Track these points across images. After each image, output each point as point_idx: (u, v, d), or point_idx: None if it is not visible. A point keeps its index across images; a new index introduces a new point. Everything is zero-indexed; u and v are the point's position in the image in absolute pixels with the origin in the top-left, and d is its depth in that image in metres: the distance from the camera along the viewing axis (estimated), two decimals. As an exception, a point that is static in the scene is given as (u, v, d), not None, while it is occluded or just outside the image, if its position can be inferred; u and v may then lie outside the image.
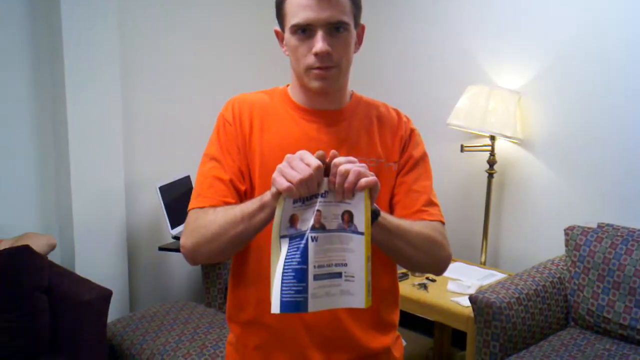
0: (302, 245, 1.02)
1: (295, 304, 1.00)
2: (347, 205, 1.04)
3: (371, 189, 1.04)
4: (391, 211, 1.30)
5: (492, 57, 3.16)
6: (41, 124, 2.75)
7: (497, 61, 3.15)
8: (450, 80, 3.30)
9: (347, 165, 1.03)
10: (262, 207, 1.11)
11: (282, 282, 1.01)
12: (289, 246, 1.03)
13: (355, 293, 1.03)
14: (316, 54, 1.19)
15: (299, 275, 1.00)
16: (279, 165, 1.04)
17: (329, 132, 1.30)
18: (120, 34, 2.83)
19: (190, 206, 1.27)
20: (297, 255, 1.02)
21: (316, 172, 1.02)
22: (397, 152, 1.33)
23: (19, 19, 2.65)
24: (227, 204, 1.23)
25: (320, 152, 1.05)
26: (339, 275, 1.03)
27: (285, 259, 1.02)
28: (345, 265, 1.03)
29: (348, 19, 1.21)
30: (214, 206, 1.23)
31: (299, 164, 1.03)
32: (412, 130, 1.37)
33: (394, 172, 1.32)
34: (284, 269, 1.01)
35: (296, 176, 1.01)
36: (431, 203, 1.32)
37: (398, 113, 1.39)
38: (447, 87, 3.30)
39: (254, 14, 3.42)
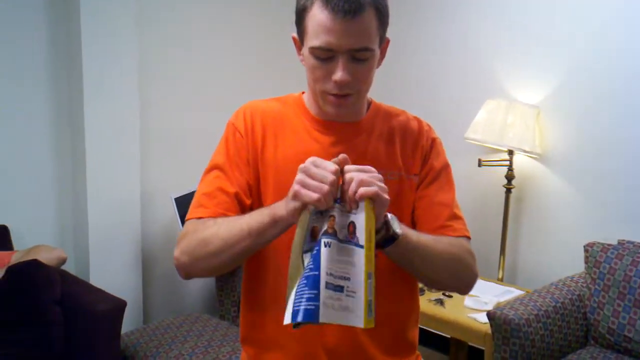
0: (315, 252, 0.97)
1: (306, 312, 0.92)
2: (352, 216, 1.00)
3: (374, 201, 0.98)
4: (413, 226, 1.24)
5: (511, 71, 3.14)
6: (58, 132, 2.77)
7: (516, 76, 3.12)
8: (469, 94, 3.28)
9: (353, 173, 0.99)
10: (274, 223, 1.05)
11: (296, 291, 0.95)
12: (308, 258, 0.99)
13: (354, 310, 0.95)
14: (335, 82, 1.13)
15: (311, 282, 0.94)
16: (298, 177, 0.99)
17: (346, 145, 1.22)
18: (138, 44, 2.85)
19: (188, 216, 1.20)
20: (311, 262, 0.97)
21: (337, 176, 0.99)
22: (419, 163, 1.27)
23: (38, 32, 2.67)
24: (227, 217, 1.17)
25: (335, 159, 1.02)
26: (341, 288, 0.96)
27: (304, 269, 0.98)
28: (349, 279, 0.96)
29: (373, 43, 1.12)
30: (213, 217, 1.16)
31: (319, 172, 0.98)
32: (434, 140, 1.30)
33: (415, 185, 1.26)
34: (300, 278, 0.97)
35: (322, 187, 0.96)
36: (455, 217, 1.26)
37: (419, 121, 1.32)
38: (465, 101, 3.27)
39: (272, 22, 3.41)
